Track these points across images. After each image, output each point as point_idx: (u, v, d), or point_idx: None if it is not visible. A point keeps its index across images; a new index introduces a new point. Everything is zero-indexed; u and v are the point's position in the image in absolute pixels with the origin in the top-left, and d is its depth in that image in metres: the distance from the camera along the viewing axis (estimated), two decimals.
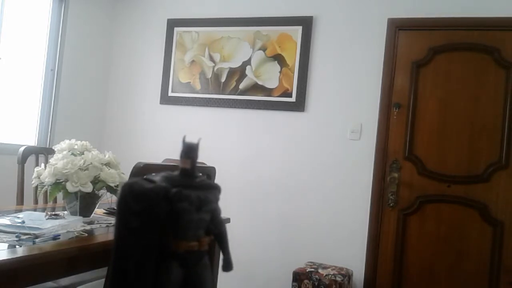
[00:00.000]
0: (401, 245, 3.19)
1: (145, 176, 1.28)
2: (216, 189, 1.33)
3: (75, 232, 1.73)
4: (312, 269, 3.01)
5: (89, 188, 1.94)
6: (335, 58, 3.42)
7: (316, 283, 2.90)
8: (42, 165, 2.10)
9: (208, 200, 1.27)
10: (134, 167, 1.52)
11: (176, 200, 1.21)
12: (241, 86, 3.65)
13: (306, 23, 3.49)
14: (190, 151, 1.26)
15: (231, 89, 3.68)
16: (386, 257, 3.21)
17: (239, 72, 3.67)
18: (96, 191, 2.00)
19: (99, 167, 2.00)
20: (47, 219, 1.78)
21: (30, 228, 1.60)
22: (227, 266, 1.34)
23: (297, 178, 3.46)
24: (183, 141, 1.26)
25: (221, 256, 1.34)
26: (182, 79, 3.86)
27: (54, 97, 3.70)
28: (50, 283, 1.88)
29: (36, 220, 1.74)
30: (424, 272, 3.13)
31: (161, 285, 1.21)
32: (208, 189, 1.30)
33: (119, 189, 1.28)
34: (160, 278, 1.22)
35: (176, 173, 1.26)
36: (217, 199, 1.33)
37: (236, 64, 3.68)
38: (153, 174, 1.28)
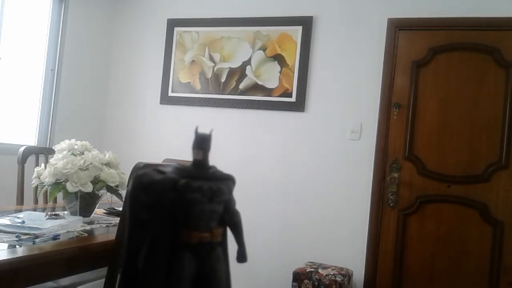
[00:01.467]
0: (401, 245, 3.18)
1: (156, 167, 1.27)
2: (230, 179, 1.32)
3: (75, 232, 1.73)
4: (312, 269, 3.01)
5: (89, 188, 1.94)
6: (335, 58, 3.42)
7: (316, 283, 2.90)
8: (42, 165, 2.10)
9: (221, 191, 1.26)
10: (134, 167, 1.52)
11: (184, 191, 1.20)
12: (241, 86, 3.65)
13: (306, 23, 3.49)
14: (202, 141, 1.25)
15: (231, 89, 3.68)
16: (386, 257, 3.21)
17: (239, 72, 3.66)
18: (96, 191, 2.00)
19: (99, 167, 2.00)
20: (47, 219, 1.78)
21: (30, 228, 1.60)
22: (242, 257, 1.34)
23: (297, 178, 3.46)
24: (196, 131, 1.25)
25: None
26: (182, 79, 3.86)
27: (54, 97, 3.69)
28: (50, 283, 1.87)
29: (36, 220, 1.74)
30: (424, 272, 3.13)
31: (174, 276, 1.20)
32: (221, 179, 1.29)
33: (130, 180, 1.27)
34: (173, 270, 1.21)
35: (188, 164, 1.26)
36: (230, 190, 1.31)
37: (236, 64, 3.68)
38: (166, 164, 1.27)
